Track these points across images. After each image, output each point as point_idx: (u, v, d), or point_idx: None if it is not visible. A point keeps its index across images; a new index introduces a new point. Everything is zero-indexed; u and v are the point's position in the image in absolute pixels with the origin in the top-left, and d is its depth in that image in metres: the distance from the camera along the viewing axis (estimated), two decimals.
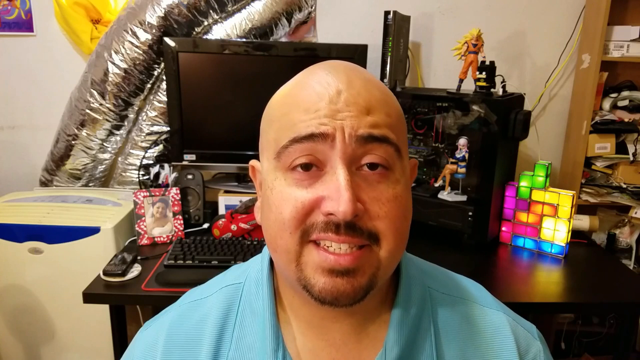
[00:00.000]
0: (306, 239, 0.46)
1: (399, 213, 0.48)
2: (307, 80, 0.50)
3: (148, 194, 1.50)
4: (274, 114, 0.51)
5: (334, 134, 0.46)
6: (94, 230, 1.42)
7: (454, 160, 1.43)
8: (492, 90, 1.43)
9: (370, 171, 0.47)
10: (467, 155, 1.40)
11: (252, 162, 0.57)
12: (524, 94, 1.55)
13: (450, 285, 0.60)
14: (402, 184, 0.49)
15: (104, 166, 1.77)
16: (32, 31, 1.77)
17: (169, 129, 1.67)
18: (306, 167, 0.47)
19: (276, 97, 0.52)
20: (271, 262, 0.57)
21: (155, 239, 1.49)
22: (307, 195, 0.46)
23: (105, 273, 1.26)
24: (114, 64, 1.59)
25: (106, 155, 1.75)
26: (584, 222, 1.57)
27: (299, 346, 0.53)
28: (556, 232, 1.43)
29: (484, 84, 1.40)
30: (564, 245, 1.43)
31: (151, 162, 1.71)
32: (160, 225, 1.51)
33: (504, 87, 1.47)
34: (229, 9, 1.61)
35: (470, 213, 1.41)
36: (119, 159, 1.77)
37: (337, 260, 0.45)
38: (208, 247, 1.38)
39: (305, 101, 0.48)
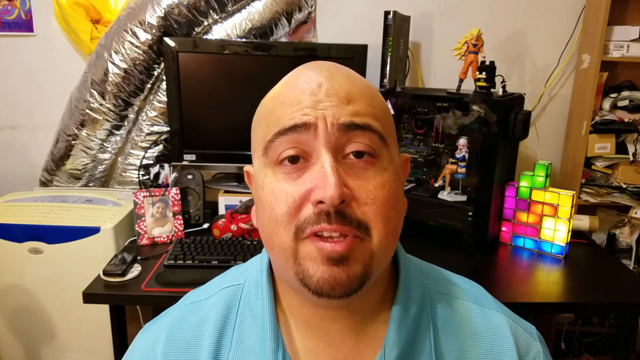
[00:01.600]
0: (301, 236, 0.47)
1: (387, 200, 0.48)
2: (291, 80, 0.51)
3: (148, 194, 1.50)
4: (262, 115, 0.52)
5: (316, 123, 0.47)
6: (94, 230, 1.42)
7: (454, 160, 1.43)
8: (492, 90, 1.43)
9: (356, 159, 0.48)
10: (467, 155, 1.40)
11: (247, 167, 0.57)
12: (524, 94, 1.55)
13: (450, 285, 0.60)
14: (390, 173, 0.49)
15: (104, 166, 1.77)
16: (32, 31, 1.77)
17: (169, 129, 1.67)
18: (293, 159, 0.48)
19: (264, 99, 0.54)
20: (269, 263, 0.57)
21: (155, 239, 1.49)
22: (296, 189, 0.47)
23: (105, 273, 1.26)
24: (114, 64, 1.59)
25: (106, 155, 1.75)
26: (584, 222, 1.57)
27: (298, 347, 0.53)
28: (556, 232, 1.43)
29: (484, 84, 1.40)
30: (564, 245, 1.43)
31: (151, 162, 1.71)
32: (160, 225, 1.51)
33: (504, 87, 1.47)
34: (229, 9, 1.61)
35: (470, 213, 1.41)
36: (119, 159, 1.77)
37: (334, 247, 0.46)
38: (208, 247, 1.38)
39: (289, 97, 0.49)
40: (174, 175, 1.62)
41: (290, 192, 0.47)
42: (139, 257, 1.36)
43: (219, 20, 1.63)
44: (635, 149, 1.69)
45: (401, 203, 0.51)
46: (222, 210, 1.62)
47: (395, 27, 1.58)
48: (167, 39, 1.55)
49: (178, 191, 1.54)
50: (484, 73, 1.40)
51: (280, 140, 0.48)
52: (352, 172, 0.47)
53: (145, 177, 1.72)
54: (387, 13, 1.58)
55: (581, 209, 1.73)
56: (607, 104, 1.72)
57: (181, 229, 1.52)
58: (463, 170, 1.41)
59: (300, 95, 0.48)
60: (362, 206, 0.47)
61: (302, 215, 0.47)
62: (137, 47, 1.58)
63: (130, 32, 1.57)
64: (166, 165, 1.64)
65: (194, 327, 0.56)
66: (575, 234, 1.56)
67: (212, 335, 0.55)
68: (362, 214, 0.47)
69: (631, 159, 1.69)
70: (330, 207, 0.45)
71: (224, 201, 1.63)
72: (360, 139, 0.48)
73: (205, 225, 1.59)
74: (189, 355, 0.54)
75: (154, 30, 1.57)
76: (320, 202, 0.45)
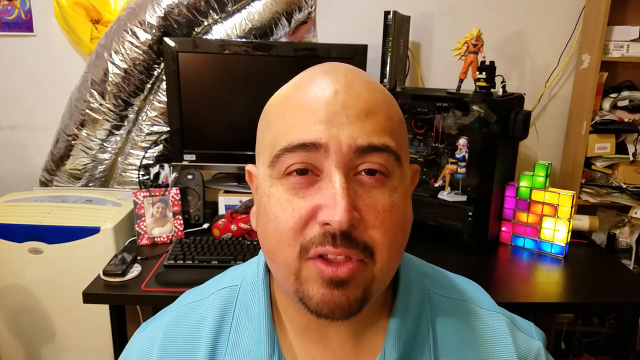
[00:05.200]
0: (305, 256, 0.45)
1: (395, 223, 0.46)
2: (304, 82, 0.49)
3: (148, 194, 1.50)
4: (271, 116, 0.50)
5: (327, 144, 0.44)
6: (94, 230, 1.42)
7: (454, 160, 1.43)
8: (492, 90, 1.43)
9: (367, 176, 0.46)
10: (467, 155, 1.40)
11: (248, 166, 0.55)
12: (524, 94, 1.55)
13: (449, 287, 0.59)
14: (400, 192, 0.48)
15: (104, 166, 1.77)
16: (32, 31, 1.77)
17: (169, 129, 1.67)
18: (302, 172, 0.46)
19: (273, 99, 0.51)
20: (267, 265, 0.56)
21: (155, 239, 1.49)
22: (304, 205, 0.45)
23: (105, 273, 1.26)
24: (114, 64, 1.59)
25: (106, 155, 1.75)
26: (584, 222, 1.57)
27: (295, 349, 0.53)
28: (556, 232, 1.43)
29: (484, 84, 1.40)
30: (564, 245, 1.43)
31: (151, 162, 1.71)
32: (160, 225, 1.51)
33: (504, 87, 1.47)
34: (229, 9, 1.61)
35: (470, 213, 1.41)
36: (119, 159, 1.77)
37: (335, 271, 0.44)
38: (208, 247, 1.38)
39: (301, 101, 0.47)
40: (174, 175, 1.62)
41: (297, 206, 0.45)
42: (139, 257, 1.36)
43: (219, 20, 1.63)
44: (635, 149, 1.69)
45: (408, 220, 0.50)
46: (222, 210, 1.62)
47: (395, 27, 1.58)
48: (167, 39, 1.55)
49: (178, 191, 1.54)
50: (484, 73, 1.40)
51: (287, 156, 0.46)
52: (361, 189, 0.46)
53: (145, 177, 1.72)
54: (387, 13, 1.58)
55: (581, 209, 1.73)
56: (607, 104, 1.72)
57: (181, 229, 1.52)
58: (463, 170, 1.41)
59: (313, 102, 0.46)
60: (369, 229, 0.45)
61: (307, 234, 0.45)
62: (137, 47, 1.58)
63: (130, 32, 1.57)
64: (166, 165, 1.64)
65: (191, 328, 0.56)
66: (575, 234, 1.56)
67: (208, 336, 0.54)
68: (369, 238, 0.45)
69: (631, 159, 1.69)
70: (337, 230, 0.44)
71: (224, 201, 1.63)
72: (375, 159, 0.45)
73: (205, 225, 1.59)
74: (185, 355, 0.54)
75: (154, 30, 1.57)
76: (327, 223, 0.44)
